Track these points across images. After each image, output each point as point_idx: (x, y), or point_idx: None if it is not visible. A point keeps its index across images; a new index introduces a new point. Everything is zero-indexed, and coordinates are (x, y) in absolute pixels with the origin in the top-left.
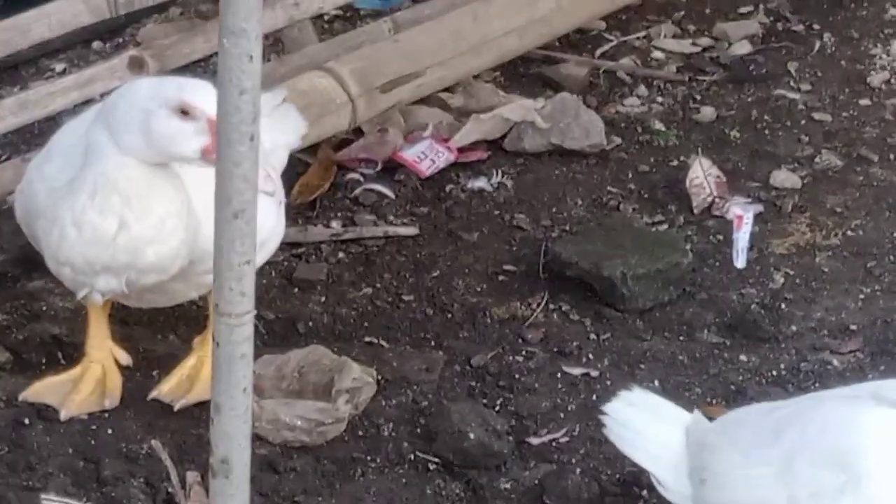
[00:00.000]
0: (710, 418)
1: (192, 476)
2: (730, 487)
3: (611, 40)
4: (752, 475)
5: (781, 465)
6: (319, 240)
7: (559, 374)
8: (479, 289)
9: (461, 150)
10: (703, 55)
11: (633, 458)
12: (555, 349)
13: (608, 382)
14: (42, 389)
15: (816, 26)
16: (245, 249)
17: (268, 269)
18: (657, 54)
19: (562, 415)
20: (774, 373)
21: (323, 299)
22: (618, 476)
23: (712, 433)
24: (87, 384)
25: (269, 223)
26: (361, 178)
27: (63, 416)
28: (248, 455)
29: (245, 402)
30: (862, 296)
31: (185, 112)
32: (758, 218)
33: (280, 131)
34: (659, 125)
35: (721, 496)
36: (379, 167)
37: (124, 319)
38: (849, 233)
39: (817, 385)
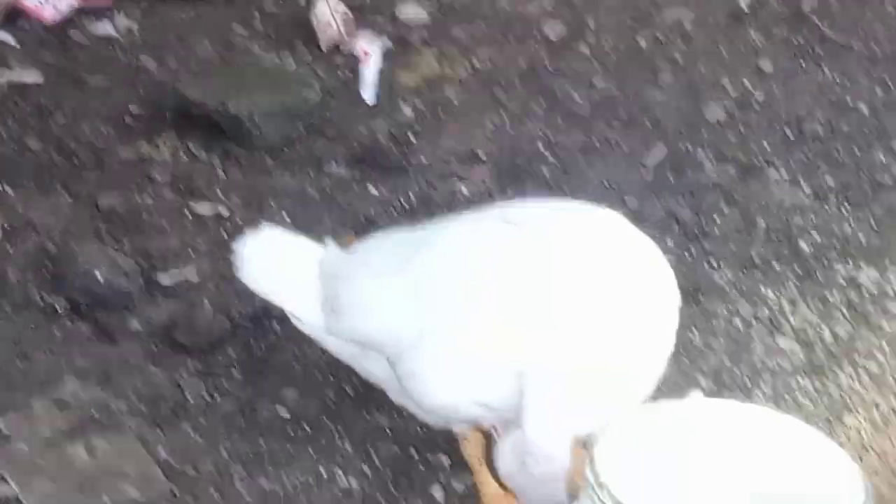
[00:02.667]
0: (344, 249)
1: None
2: (362, 315)
3: None
4: (383, 302)
5: (411, 292)
6: None
7: (188, 214)
8: (105, 132)
9: None
10: None
11: (266, 296)
12: (183, 189)
13: (238, 220)
14: None
15: None
16: None
17: None
18: None
19: (191, 253)
20: (405, 203)
21: None
22: (249, 310)
23: (345, 262)
24: None
25: None
26: None
27: None
28: None
29: None
30: (490, 125)
31: None
32: (386, 53)
33: None
34: None
35: (354, 323)
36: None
37: None
38: (476, 64)
39: (447, 213)
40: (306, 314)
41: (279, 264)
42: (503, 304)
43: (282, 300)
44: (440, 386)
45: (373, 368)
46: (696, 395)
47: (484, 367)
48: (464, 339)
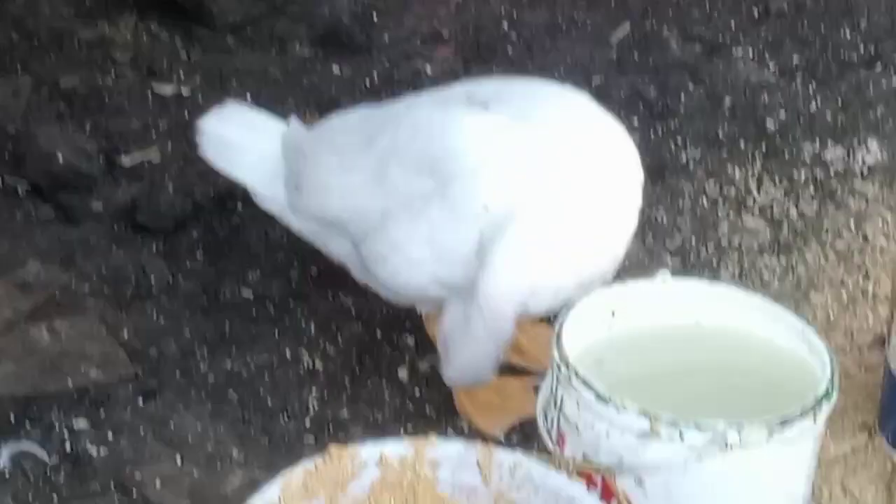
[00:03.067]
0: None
1: None
2: (324, 194)
3: None
4: (346, 183)
5: (375, 172)
6: None
7: (150, 94)
8: (65, 13)
9: None
10: None
11: (229, 172)
12: (145, 69)
13: (200, 100)
14: None
15: None
16: None
17: None
18: None
19: (153, 134)
20: (368, 83)
21: None
22: (212, 191)
23: (308, 139)
24: None
25: None
26: None
27: None
28: None
29: None
30: (454, 3)
31: None
32: None
33: None
34: None
35: (315, 202)
36: None
37: None
38: None
39: (411, 93)
40: (269, 191)
41: (242, 140)
42: (469, 184)
43: (244, 177)
44: (404, 268)
45: (336, 247)
46: (663, 275)
47: (449, 248)
48: (428, 220)
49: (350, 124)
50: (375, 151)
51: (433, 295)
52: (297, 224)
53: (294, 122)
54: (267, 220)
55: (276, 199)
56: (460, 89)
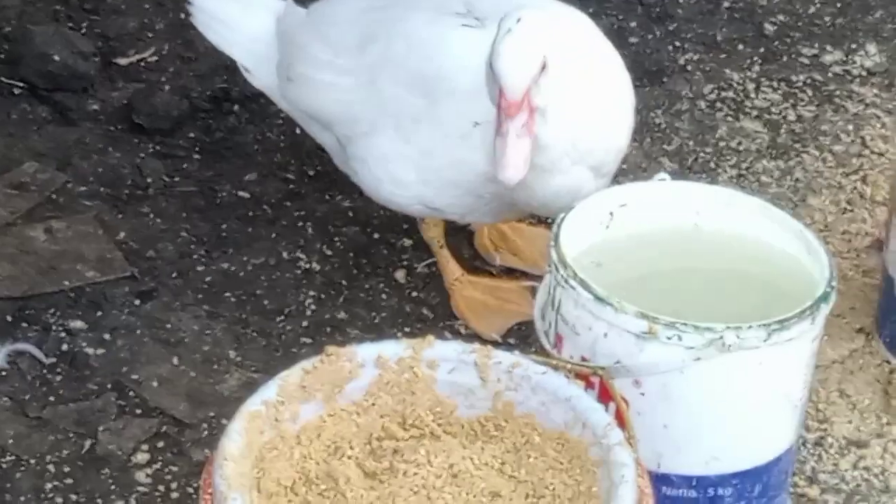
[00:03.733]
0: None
1: None
2: (313, 89)
3: None
4: (336, 82)
5: (367, 78)
6: None
7: None
8: None
9: None
10: None
11: (223, 49)
12: None
13: None
14: None
15: None
16: None
17: None
18: None
19: (150, 35)
20: None
21: None
22: (208, 92)
23: (302, 28)
24: None
25: None
26: None
27: None
28: None
29: None
30: None
31: None
32: None
33: None
34: None
35: (305, 96)
36: None
37: None
38: None
39: None
40: (261, 73)
41: (237, 18)
42: (446, 111)
43: (236, 55)
44: (388, 184)
45: (323, 137)
46: (662, 177)
47: (436, 169)
48: (417, 143)
49: (346, 17)
50: (368, 57)
51: (418, 212)
52: (286, 107)
53: (291, 4)
54: (264, 122)
55: (268, 79)
56: None
